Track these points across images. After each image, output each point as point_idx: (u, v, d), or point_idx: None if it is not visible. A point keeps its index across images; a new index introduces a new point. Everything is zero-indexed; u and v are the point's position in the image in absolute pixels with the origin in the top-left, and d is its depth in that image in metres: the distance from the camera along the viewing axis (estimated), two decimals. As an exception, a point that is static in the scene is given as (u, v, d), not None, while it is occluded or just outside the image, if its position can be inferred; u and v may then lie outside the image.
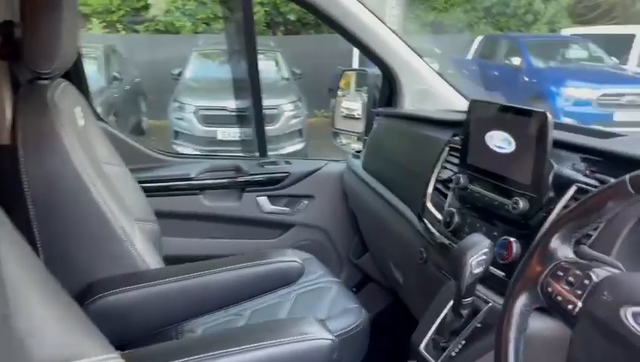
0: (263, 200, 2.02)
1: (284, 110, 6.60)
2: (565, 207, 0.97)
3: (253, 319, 1.35)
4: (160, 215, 1.67)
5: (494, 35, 10.37)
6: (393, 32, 1.76)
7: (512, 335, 0.75)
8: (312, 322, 1.13)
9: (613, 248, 0.86)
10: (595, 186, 0.93)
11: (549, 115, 0.97)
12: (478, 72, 9.36)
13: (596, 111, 7.33)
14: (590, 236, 0.87)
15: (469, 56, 10.16)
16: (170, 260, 1.51)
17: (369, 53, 1.79)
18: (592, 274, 0.70)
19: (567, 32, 11.18)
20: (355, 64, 7.20)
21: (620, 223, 0.86)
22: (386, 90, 1.92)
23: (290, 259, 1.30)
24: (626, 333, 0.60)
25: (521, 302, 0.76)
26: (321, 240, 2.08)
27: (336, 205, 2.05)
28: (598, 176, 0.94)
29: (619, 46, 9.04)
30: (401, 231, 1.45)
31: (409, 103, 1.86)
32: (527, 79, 8.47)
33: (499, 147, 1.08)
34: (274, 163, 2.08)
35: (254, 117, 2.23)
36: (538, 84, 8.17)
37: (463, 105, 1.80)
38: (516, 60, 8.86)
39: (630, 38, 9.02)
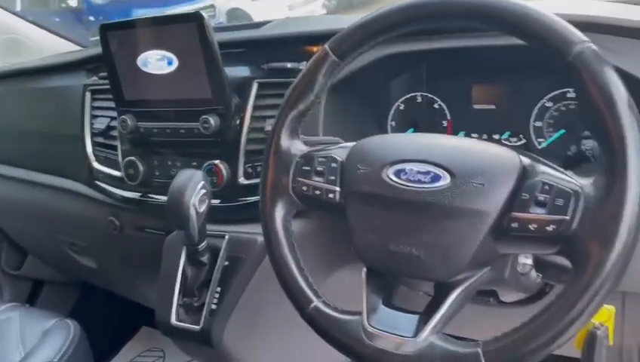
0: None
1: None
2: (255, 107, 0.91)
3: None
4: None
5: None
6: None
7: (287, 251, 0.67)
8: None
9: (319, 127, 0.86)
10: (274, 76, 0.90)
11: (204, 15, 0.86)
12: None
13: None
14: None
15: (18, 8, 8.94)
16: None
17: None
18: (334, 155, 0.66)
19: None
20: None
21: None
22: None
23: None
24: (396, 193, 0.59)
25: (280, 215, 0.69)
26: None
27: None
28: (271, 65, 0.91)
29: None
30: (75, 211, 1.18)
31: (-3, 61, 1.46)
32: (92, 19, 8.04)
33: (158, 68, 0.93)
34: None
35: None
36: (106, 21, 7.89)
37: (68, 47, 1.53)
38: (72, 1, 8.26)
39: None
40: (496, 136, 0.90)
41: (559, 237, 0.52)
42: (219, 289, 0.87)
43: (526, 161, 0.57)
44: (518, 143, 0.88)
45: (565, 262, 0.60)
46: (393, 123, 0.97)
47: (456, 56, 0.87)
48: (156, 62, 0.92)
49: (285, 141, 0.69)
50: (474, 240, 0.56)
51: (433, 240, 0.57)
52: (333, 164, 0.66)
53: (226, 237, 0.90)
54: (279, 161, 0.69)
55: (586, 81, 0.52)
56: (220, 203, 0.93)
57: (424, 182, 0.59)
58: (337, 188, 0.65)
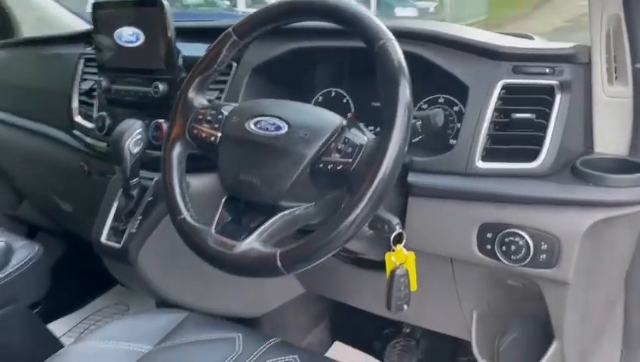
0: None
1: None
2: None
3: None
4: None
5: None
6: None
7: (174, 176, 0.87)
8: None
9: (239, 98, 1.07)
10: None
11: (166, 4, 1.09)
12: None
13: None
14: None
15: None
16: None
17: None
18: (222, 110, 0.87)
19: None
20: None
21: (241, 75, 1.07)
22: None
23: None
24: (251, 136, 0.80)
25: (176, 152, 0.88)
26: None
27: None
28: None
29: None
30: (56, 155, 1.41)
31: (27, 33, 1.74)
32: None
33: (129, 42, 1.16)
34: None
35: None
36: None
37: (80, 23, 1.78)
38: None
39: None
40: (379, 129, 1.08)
41: (344, 175, 0.71)
42: (140, 217, 1.08)
43: (345, 123, 0.76)
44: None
45: (387, 216, 0.79)
46: (312, 111, 1.16)
47: (358, 59, 1.06)
48: (128, 36, 1.16)
49: (192, 94, 0.89)
50: (293, 174, 0.75)
51: (266, 171, 0.77)
52: (220, 116, 0.86)
53: (155, 178, 1.11)
54: (183, 110, 0.89)
55: (384, 66, 0.71)
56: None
57: (269, 130, 0.79)
58: (219, 134, 0.85)
